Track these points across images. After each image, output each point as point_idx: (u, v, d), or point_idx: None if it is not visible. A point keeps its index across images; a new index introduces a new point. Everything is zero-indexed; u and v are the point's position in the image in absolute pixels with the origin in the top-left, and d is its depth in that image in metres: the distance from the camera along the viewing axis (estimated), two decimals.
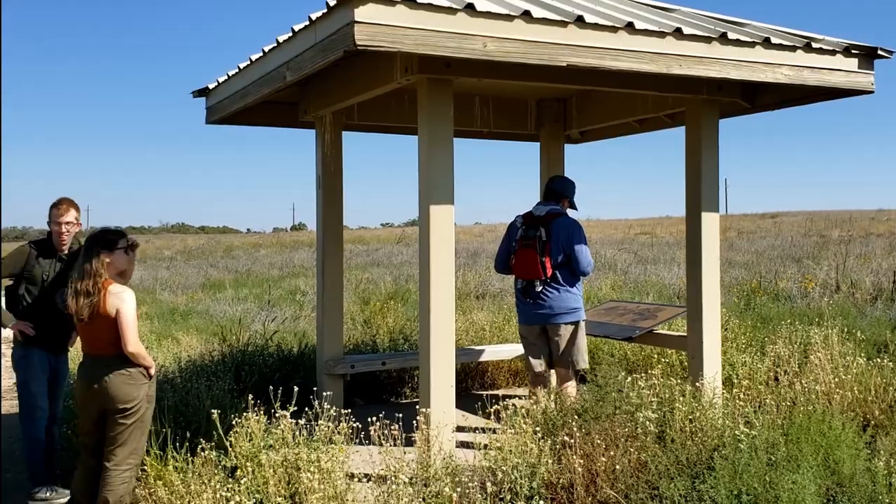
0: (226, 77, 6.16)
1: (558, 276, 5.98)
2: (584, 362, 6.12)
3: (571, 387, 6.00)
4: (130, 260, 4.53)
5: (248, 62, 5.64)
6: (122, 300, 4.28)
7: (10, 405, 7.54)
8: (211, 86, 6.51)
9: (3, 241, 7.22)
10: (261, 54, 5.41)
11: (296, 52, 4.82)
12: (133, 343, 4.27)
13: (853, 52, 5.36)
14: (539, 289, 5.99)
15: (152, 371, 4.42)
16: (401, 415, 4.83)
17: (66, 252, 5.30)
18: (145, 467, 4.54)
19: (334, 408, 4.83)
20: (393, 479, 4.14)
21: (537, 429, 4.68)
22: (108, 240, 4.40)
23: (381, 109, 6.69)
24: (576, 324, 6.04)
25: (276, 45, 5.13)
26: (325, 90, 6.01)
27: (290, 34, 4.85)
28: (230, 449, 4.58)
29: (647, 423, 4.71)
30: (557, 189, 6.26)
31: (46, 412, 5.26)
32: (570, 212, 6.29)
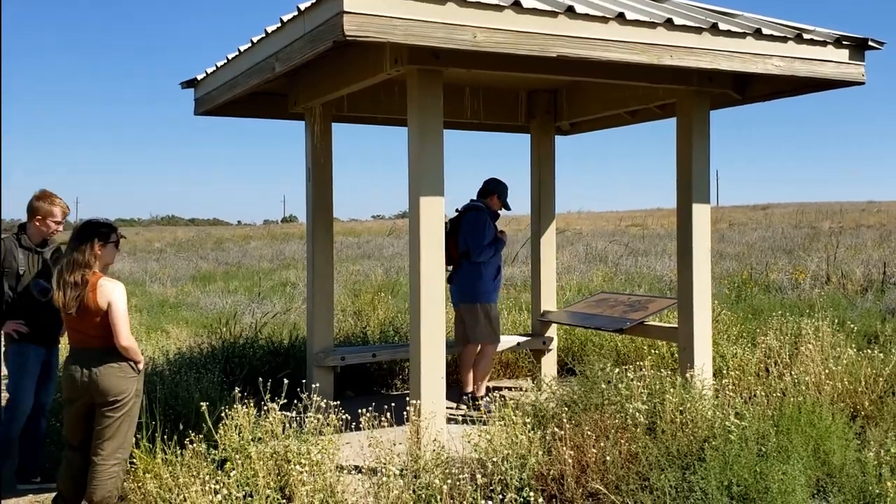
0: (214, 68, 6.11)
1: (464, 264, 6.85)
2: (492, 337, 6.92)
3: (471, 353, 6.93)
4: (117, 253, 4.52)
5: (237, 52, 5.60)
6: (113, 293, 4.25)
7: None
8: (199, 77, 6.47)
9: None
10: (249, 45, 5.37)
11: (285, 43, 4.78)
12: (126, 337, 4.24)
13: (844, 43, 5.35)
14: (450, 275, 6.94)
15: (140, 366, 4.39)
16: (392, 406, 4.83)
17: (43, 246, 5.21)
18: (134, 460, 4.52)
19: (324, 400, 4.82)
20: (383, 470, 4.13)
21: (527, 420, 4.68)
22: (101, 232, 4.37)
23: (370, 101, 6.66)
24: (476, 305, 6.82)
25: (264, 35, 5.09)
26: (315, 81, 5.97)
27: (279, 24, 4.81)
28: (219, 441, 4.56)
29: (638, 414, 4.71)
30: (488, 186, 7.08)
31: (27, 413, 5.15)
32: (496, 212, 7.08)
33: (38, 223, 5.15)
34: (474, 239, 6.78)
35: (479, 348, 6.93)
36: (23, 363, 5.10)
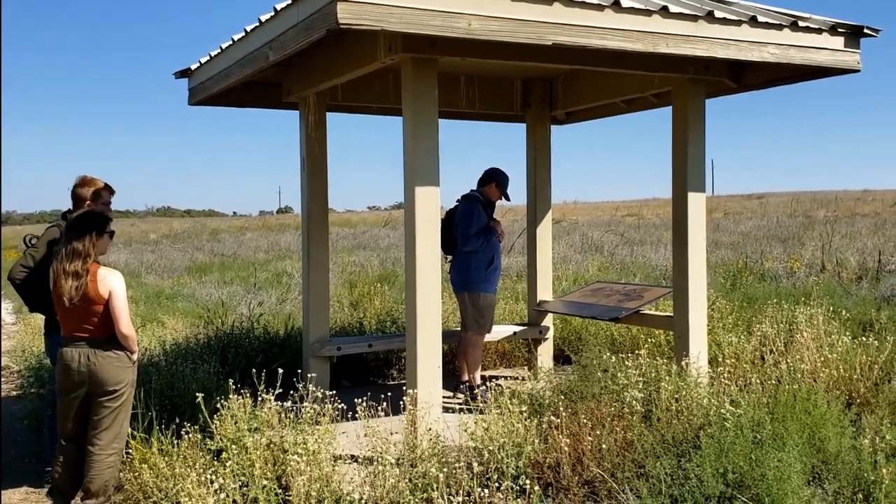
0: (208, 58, 6.08)
1: (457, 253, 6.93)
2: (477, 327, 6.88)
3: (467, 340, 6.94)
4: (110, 244, 4.55)
5: (231, 42, 5.57)
6: (113, 282, 4.28)
7: (3, 389, 7.50)
8: (193, 66, 6.43)
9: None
10: (243, 34, 5.34)
11: (278, 32, 4.75)
12: (126, 324, 4.27)
13: (839, 30, 5.34)
14: (448, 264, 7.03)
15: (135, 357, 4.41)
16: (389, 395, 4.82)
17: None
18: (130, 451, 4.52)
19: (320, 389, 4.81)
20: (379, 459, 4.13)
21: (523, 409, 4.68)
22: (98, 223, 4.39)
23: (365, 90, 6.63)
24: (467, 293, 6.85)
25: (258, 24, 5.06)
26: (308, 70, 5.94)
27: (273, 13, 4.78)
28: (215, 432, 4.55)
29: (633, 402, 4.72)
30: (487, 175, 7.05)
31: None
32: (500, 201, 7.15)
33: (95, 208, 5.03)
34: (460, 228, 6.82)
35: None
36: None
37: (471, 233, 6.77)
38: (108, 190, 5.25)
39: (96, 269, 4.27)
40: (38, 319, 10.73)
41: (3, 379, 8.36)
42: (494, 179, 7.01)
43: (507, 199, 7.11)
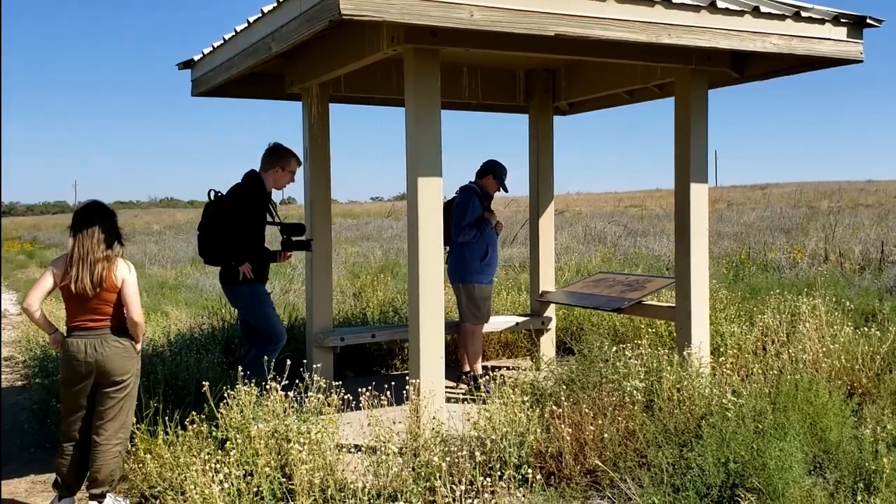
0: (211, 49, 6.09)
1: (452, 244, 6.97)
2: (474, 318, 6.96)
3: (465, 331, 7.01)
4: None
5: (234, 33, 5.58)
6: (127, 270, 4.33)
7: (7, 379, 7.53)
8: (196, 58, 6.44)
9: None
10: (246, 25, 5.35)
11: (281, 23, 4.76)
12: (138, 312, 4.33)
13: (842, 21, 5.33)
14: (446, 255, 6.96)
15: (139, 347, 4.44)
16: (392, 385, 4.85)
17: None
18: (135, 440, 4.54)
19: (324, 379, 4.83)
20: (383, 449, 4.15)
21: (526, 399, 4.70)
22: (115, 212, 4.47)
23: (368, 81, 6.63)
24: (462, 284, 6.94)
25: (261, 15, 5.07)
26: (311, 61, 5.95)
27: (276, 4, 4.79)
28: (220, 421, 4.58)
29: (635, 392, 4.74)
30: (484, 167, 7.11)
31: (285, 338, 5.95)
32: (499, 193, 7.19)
33: (282, 175, 6.02)
34: (455, 220, 6.84)
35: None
36: (262, 299, 5.92)
37: (464, 224, 6.80)
38: (297, 161, 6.07)
39: (114, 258, 4.31)
40: (43, 310, 10.75)
41: (9, 369, 8.40)
42: (492, 171, 7.04)
43: (505, 190, 7.14)
